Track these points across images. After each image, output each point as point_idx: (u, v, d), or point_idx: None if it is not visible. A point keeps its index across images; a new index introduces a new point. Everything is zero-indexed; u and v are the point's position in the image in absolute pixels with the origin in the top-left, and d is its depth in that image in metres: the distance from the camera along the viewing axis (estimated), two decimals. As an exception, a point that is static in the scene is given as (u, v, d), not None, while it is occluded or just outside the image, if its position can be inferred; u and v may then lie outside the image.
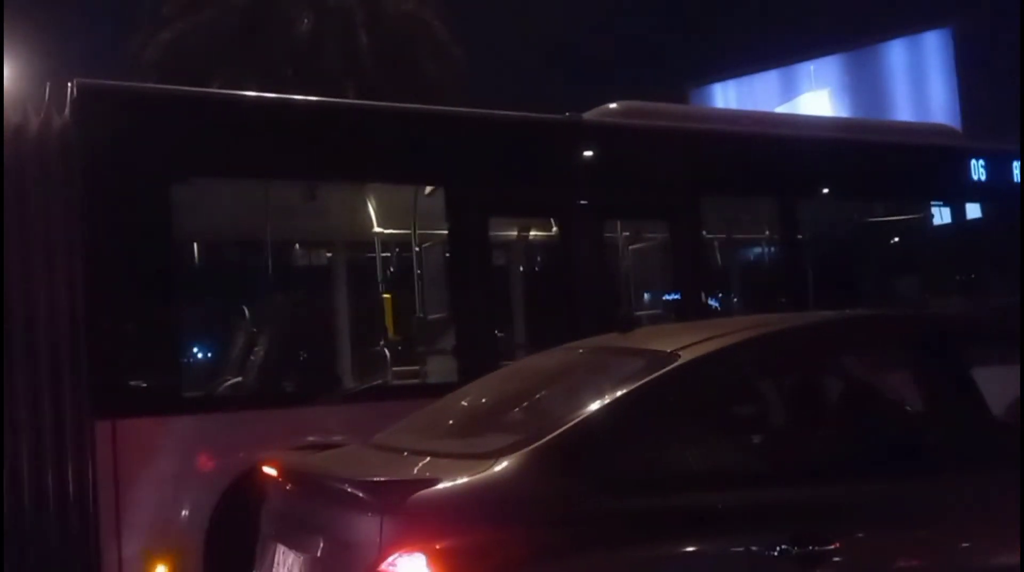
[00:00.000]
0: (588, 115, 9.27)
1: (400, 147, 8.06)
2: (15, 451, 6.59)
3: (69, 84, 6.94)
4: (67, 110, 6.96)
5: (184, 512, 6.91)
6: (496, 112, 8.98)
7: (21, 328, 6.68)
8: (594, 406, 4.20)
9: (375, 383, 8.26)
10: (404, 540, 3.65)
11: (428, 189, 8.55)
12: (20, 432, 6.62)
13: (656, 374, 4.30)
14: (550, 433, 4.00)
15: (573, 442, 3.98)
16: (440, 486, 3.78)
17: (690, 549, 3.89)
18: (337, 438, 6.80)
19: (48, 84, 7.14)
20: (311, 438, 7.08)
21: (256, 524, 4.83)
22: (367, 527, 3.75)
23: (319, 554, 4.06)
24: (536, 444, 3.94)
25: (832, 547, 3.93)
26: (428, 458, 4.36)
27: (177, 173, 7.16)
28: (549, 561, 3.70)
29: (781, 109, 26.20)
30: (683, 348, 4.46)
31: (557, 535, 3.75)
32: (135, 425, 6.74)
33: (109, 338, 6.80)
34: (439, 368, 8.40)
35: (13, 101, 7.14)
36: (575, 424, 4.05)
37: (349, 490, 3.95)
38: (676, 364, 4.34)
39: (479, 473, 3.85)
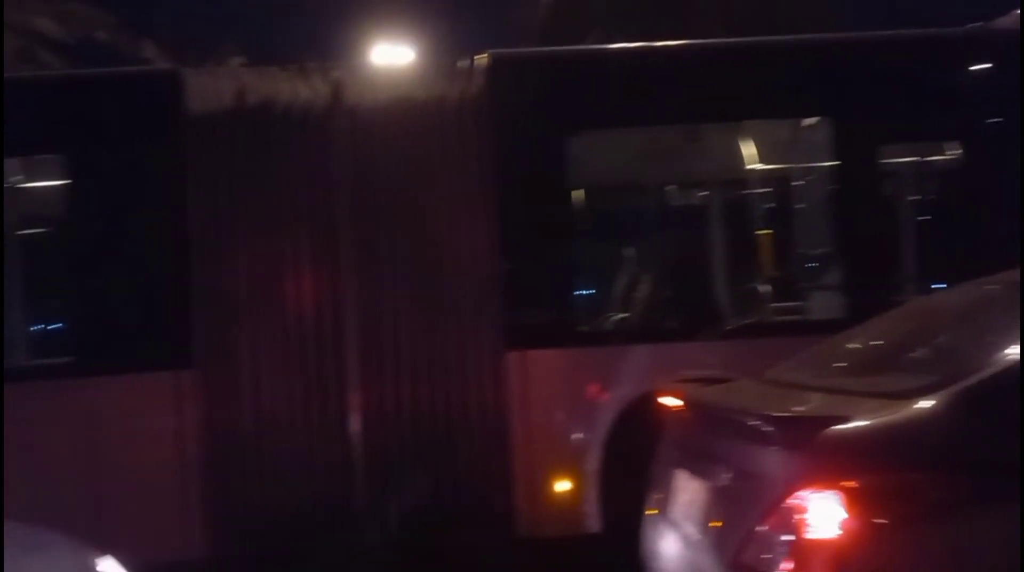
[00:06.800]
0: (996, 23, 8.34)
1: (781, 81, 7.92)
2: (438, 380, 7.61)
3: (486, 55, 7.83)
4: (484, 78, 7.76)
5: (581, 435, 7.54)
6: (880, 33, 8.58)
7: (451, 275, 7.65)
8: (1016, 347, 3.92)
9: (752, 320, 8.15)
10: (813, 477, 3.60)
11: (810, 121, 8.32)
12: (447, 364, 7.62)
13: (1085, 311, 3.99)
14: (971, 375, 3.82)
15: (996, 385, 3.78)
16: (853, 424, 3.71)
17: None
18: (710, 373, 6.78)
19: (469, 57, 7.98)
20: (685, 372, 7.05)
21: (646, 449, 5.11)
22: (775, 461, 3.74)
23: (725, 483, 4.12)
24: (957, 386, 3.77)
25: None
26: (831, 395, 4.29)
27: (575, 127, 7.82)
28: (972, 508, 3.56)
29: None
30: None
31: (979, 482, 3.59)
32: (539, 356, 7.58)
33: (519, 280, 7.60)
34: (820, 305, 8.21)
35: (424, 74, 8.39)
36: (998, 366, 3.85)
37: (758, 425, 3.91)
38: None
39: (895, 413, 3.75)
